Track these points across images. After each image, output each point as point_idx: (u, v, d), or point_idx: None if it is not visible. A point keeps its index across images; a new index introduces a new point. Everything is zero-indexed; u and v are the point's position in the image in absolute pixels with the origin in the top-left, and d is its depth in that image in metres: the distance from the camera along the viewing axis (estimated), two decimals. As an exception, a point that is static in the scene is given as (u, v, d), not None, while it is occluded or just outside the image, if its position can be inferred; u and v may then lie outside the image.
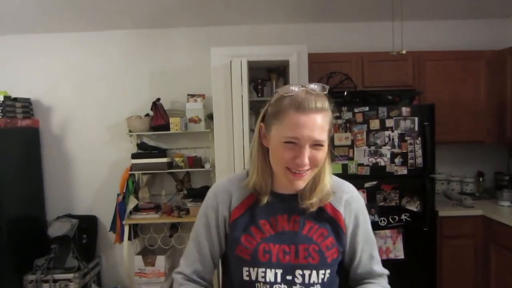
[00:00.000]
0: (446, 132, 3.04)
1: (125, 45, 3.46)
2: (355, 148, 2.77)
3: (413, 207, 2.80)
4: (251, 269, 1.02)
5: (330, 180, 1.07)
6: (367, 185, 2.76)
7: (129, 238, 3.23)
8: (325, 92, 0.98)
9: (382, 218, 2.79)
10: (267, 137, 1.02)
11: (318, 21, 3.44)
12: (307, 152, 0.95)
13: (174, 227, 3.38)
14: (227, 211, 1.08)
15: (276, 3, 3.17)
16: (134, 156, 3.25)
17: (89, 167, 3.49)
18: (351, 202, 1.10)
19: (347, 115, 2.76)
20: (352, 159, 2.77)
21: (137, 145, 3.38)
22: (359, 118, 2.76)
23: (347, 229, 1.09)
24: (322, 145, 0.96)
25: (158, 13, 3.25)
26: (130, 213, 3.23)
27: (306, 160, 0.95)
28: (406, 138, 2.77)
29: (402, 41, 2.63)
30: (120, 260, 3.42)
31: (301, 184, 1.01)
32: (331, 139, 1.03)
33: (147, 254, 3.28)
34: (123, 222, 3.17)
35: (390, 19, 2.81)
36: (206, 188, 3.33)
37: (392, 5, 2.71)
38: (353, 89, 3.04)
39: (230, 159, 2.89)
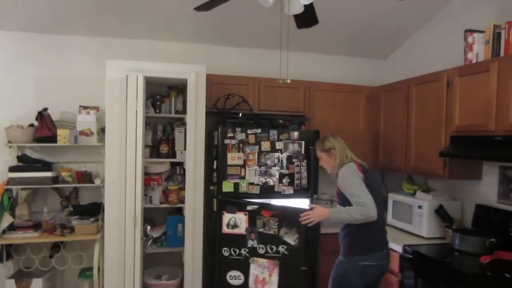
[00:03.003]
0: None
1: (8, 47, 3.17)
2: (247, 168, 2.90)
3: (291, 240, 2.74)
4: None
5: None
6: (249, 208, 2.76)
7: (0, 260, 2.89)
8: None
9: (261, 246, 2.74)
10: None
11: (218, 43, 3.58)
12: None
13: (56, 246, 3.12)
14: None
15: (177, 22, 3.22)
16: (12, 169, 2.95)
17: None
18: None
19: (241, 136, 2.88)
20: (243, 178, 2.89)
21: (18, 157, 3.07)
22: (252, 139, 2.91)
23: None
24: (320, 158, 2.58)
25: (51, 18, 3.05)
26: (4, 232, 2.90)
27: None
28: (294, 160, 2.99)
29: (287, 70, 2.87)
30: (-13, 286, 3.03)
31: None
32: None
33: (22, 277, 2.97)
34: (-7, 243, 2.83)
35: (279, 48, 3.05)
36: (95, 205, 3.17)
37: (280, 36, 2.94)
38: (249, 112, 3.20)
39: (121, 175, 2.80)
